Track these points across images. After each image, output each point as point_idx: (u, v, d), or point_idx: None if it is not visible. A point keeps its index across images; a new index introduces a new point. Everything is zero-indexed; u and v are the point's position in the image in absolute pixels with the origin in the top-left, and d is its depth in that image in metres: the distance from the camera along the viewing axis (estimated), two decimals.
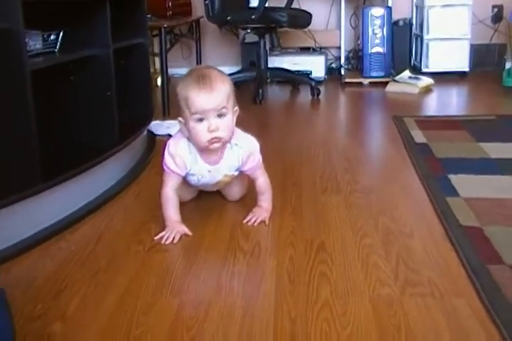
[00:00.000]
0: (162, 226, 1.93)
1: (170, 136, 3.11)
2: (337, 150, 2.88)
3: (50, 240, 1.89)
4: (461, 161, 2.58)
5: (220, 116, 1.81)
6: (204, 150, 1.89)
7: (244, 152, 1.94)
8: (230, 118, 1.84)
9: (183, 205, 1.98)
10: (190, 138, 1.87)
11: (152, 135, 3.14)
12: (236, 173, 2.02)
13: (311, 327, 1.39)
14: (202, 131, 1.81)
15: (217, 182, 2.03)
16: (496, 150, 2.71)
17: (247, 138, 1.98)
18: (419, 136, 3.02)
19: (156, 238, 1.87)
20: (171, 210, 1.93)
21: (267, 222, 1.97)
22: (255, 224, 1.97)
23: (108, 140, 2.38)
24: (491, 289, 1.51)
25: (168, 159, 1.92)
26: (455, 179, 2.33)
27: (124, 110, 2.52)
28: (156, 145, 2.97)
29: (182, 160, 1.91)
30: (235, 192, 2.17)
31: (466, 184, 2.28)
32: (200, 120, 1.80)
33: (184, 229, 1.90)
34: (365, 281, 1.60)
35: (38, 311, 1.48)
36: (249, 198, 2.14)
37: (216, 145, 1.85)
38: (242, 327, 1.40)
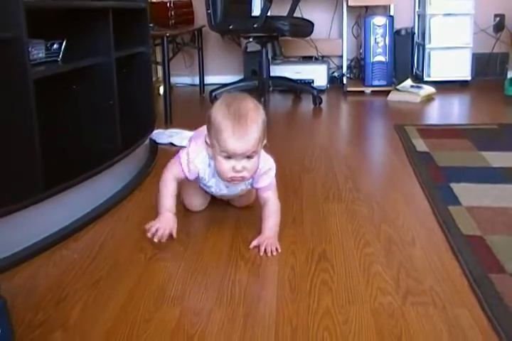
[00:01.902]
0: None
1: (172, 144, 3.14)
2: (339, 159, 2.88)
3: (52, 248, 1.89)
4: (463, 170, 2.58)
5: (248, 157, 1.78)
6: None
7: (260, 169, 1.89)
8: (257, 159, 1.82)
9: (182, 213, 1.98)
10: (215, 167, 1.84)
11: (154, 143, 3.14)
12: (250, 187, 1.99)
13: (312, 335, 1.39)
14: (226, 168, 1.79)
15: (236, 194, 2.04)
16: (497, 159, 2.71)
17: (266, 156, 1.93)
18: (420, 145, 3.02)
19: (146, 226, 1.85)
20: (168, 198, 1.91)
21: (279, 250, 1.84)
22: (271, 254, 1.81)
23: (110, 148, 2.38)
24: (492, 298, 1.51)
25: (184, 157, 1.90)
26: (457, 188, 2.33)
27: (127, 119, 2.52)
28: (158, 153, 2.97)
29: (195, 169, 1.90)
30: (243, 200, 2.15)
31: (467, 193, 2.28)
32: (228, 157, 1.77)
33: (173, 227, 1.87)
34: (367, 290, 1.60)
35: (39, 319, 1.48)
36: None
37: (237, 182, 1.86)
38: (243, 335, 1.40)
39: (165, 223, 1.86)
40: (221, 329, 1.42)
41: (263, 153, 1.91)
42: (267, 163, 1.92)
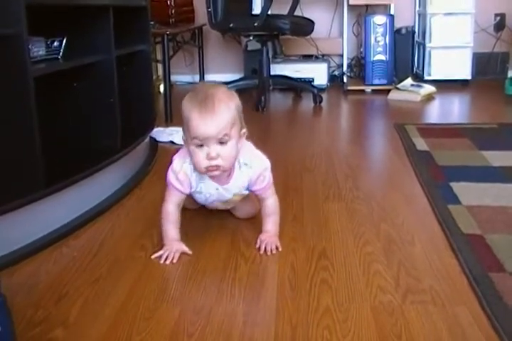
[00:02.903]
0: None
1: (172, 142, 3.14)
2: (339, 158, 2.88)
3: (52, 246, 1.89)
4: (462, 169, 2.58)
5: (221, 143, 1.70)
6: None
7: (253, 172, 1.84)
8: (233, 146, 1.72)
9: (182, 212, 1.98)
10: (191, 160, 1.78)
11: (154, 142, 3.14)
12: (246, 192, 1.92)
13: (312, 334, 1.39)
14: (200, 157, 1.71)
15: (227, 201, 1.94)
16: (497, 158, 2.71)
17: (258, 156, 1.87)
18: (421, 144, 3.02)
19: (153, 257, 1.80)
20: (171, 229, 1.85)
21: (280, 248, 1.85)
22: (271, 252, 1.81)
23: (110, 146, 2.38)
24: (492, 297, 1.51)
25: (171, 175, 1.83)
26: (457, 187, 2.33)
27: (127, 116, 2.52)
28: (158, 151, 2.97)
29: (187, 177, 1.82)
30: (246, 212, 2.08)
31: (467, 192, 2.28)
32: (200, 145, 1.70)
33: (183, 247, 1.82)
34: (367, 288, 1.60)
35: (39, 317, 1.48)
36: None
37: (215, 172, 1.75)
38: (243, 333, 1.40)
39: (171, 248, 1.81)
40: (221, 328, 1.43)
41: (255, 152, 1.87)
42: (261, 164, 1.86)
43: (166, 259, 1.78)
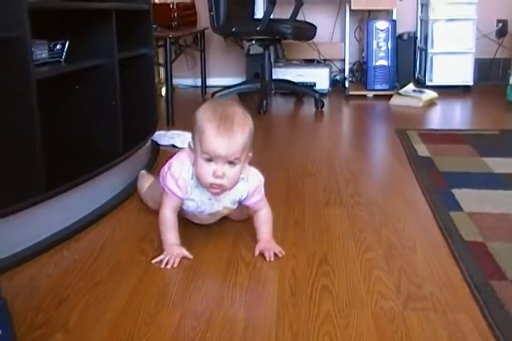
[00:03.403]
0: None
1: (174, 146, 3.14)
2: (340, 163, 2.88)
3: (53, 249, 1.89)
4: (464, 175, 2.58)
5: (230, 163, 1.70)
6: None
7: (251, 186, 1.85)
8: (239, 168, 1.73)
9: (183, 217, 1.97)
10: (195, 171, 1.77)
11: (156, 145, 3.14)
12: (235, 207, 1.92)
13: (312, 340, 1.39)
14: (206, 172, 1.71)
15: (215, 213, 1.93)
16: (499, 165, 2.71)
17: (254, 173, 1.87)
18: (422, 150, 3.02)
19: (153, 261, 1.79)
20: (170, 233, 1.84)
21: (283, 252, 1.84)
22: (272, 259, 1.82)
23: (112, 149, 2.38)
24: (493, 305, 1.51)
25: (170, 180, 1.82)
26: (458, 193, 2.33)
27: (129, 120, 2.53)
28: (159, 155, 2.97)
29: (185, 183, 1.81)
30: (239, 215, 2.07)
31: (469, 198, 2.28)
32: (209, 160, 1.70)
33: (184, 251, 1.82)
34: (368, 295, 1.60)
35: (39, 320, 1.48)
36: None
37: (216, 191, 1.76)
38: (243, 338, 1.40)
39: (171, 252, 1.80)
40: (221, 333, 1.42)
41: (250, 169, 1.86)
42: (255, 179, 1.87)
43: (166, 264, 1.77)
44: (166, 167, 1.89)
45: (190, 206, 1.89)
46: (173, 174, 1.82)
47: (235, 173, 1.73)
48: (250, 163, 1.86)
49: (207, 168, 1.71)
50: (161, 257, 1.80)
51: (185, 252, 1.82)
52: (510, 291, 1.58)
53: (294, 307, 1.53)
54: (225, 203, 1.89)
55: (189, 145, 1.79)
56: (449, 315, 1.49)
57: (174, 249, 1.81)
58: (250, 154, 1.79)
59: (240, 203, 1.91)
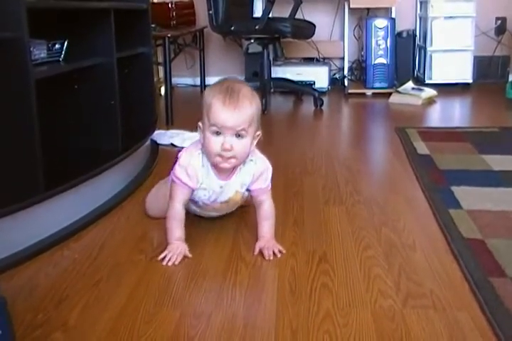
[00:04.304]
0: (163, 236, 1.89)
1: (173, 145, 3.14)
2: (339, 161, 2.88)
3: (52, 249, 1.89)
4: (463, 173, 2.58)
5: (237, 136, 1.72)
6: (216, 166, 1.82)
7: (257, 168, 1.86)
8: (248, 142, 1.76)
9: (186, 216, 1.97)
10: (203, 147, 1.79)
11: (155, 144, 3.14)
12: (246, 193, 1.92)
13: (312, 338, 1.39)
14: (214, 144, 1.73)
15: (228, 200, 1.93)
16: (498, 162, 2.71)
17: (263, 158, 1.89)
18: (421, 148, 3.02)
19: (159, 258, 1.79)
20: (177, 227, 1.84)
21: (283, 251, 1.85)
22: (272, 258, 1.81)
23: (111, 149, 2.38)
24: (493, 302, 1.51)
25: (179, 170, 1.83)
26: (458, 191, 2.33)
27: (128, 119, 2.53)
28: (159, 154, 2.97)
29: (195, 171, 1.82)
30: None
31: (468, 196, 2.27)
32: (217, 133, 1.72)
33: (186, 249, 1.82)
34: (367, 293, 1.60)
35: (39, 320, 1.48)
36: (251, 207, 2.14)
37: (225, 164, 1.77)
38: (243, 337, 1.40)
39: (175, 249, 1.81)
40: (221, 332, 1.42)
41: (259, 155, 1.89)
42: (264, 163, 1.89)
43: (168, 261, 1.78)
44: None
45: (202, 196, 1.90)
46: (182, 164, 1.83)
47: (244, 146, 1.75)
48: None
49: (215, 140, 1.73)
50: (164, 253, 1.81)
51: (186, 250, 1.83)
52: (510, 288, 1.58)
53: (293, 306, 1.53)
54: (235, 187, 1.89)
55: (198, 127, 1.80)
56: (448, 312, 1.49)
57: (178, 246, 1.83)
58: (259, 132, 1.81)
59: (248, 190, 1.92)
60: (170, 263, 1.77)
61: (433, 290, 1.60)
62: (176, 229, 1.85)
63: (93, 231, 2.05)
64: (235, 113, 1.70)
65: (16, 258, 1.78)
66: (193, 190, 1.86)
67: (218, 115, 1.71)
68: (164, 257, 1.80)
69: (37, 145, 1.83)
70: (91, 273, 1.73)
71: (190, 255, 1.82)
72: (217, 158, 1.76)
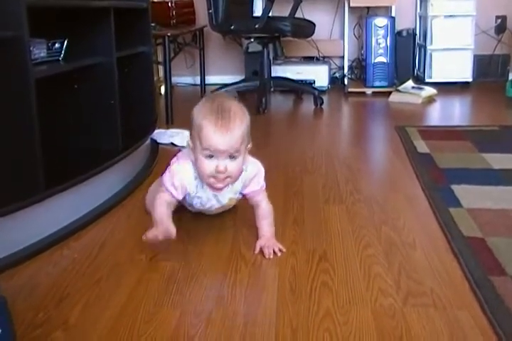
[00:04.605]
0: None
1: (173, 144, 3.14)
2: (340, 160, 2.88)
3: (53, 248, 1.89)
4: (463, 172, 2.58)
5: (231, 157, 1.72)
6: None
7: (248, 175, 1.85)
8: (241, 160, 1.75)
9: (183, 215, 1.97)
10: (196, 168, 1.78)
11: (155, 143, 3.14)
12: (240, 196, 1.92)
13: (312, 337, 1.39)
14: (208, 168, 1.72)
15: (223, 205, 1.94)
16: (498, 161, 2.71)
17: (253, 162, 1.87)
18: (422, 146, 3.02)
19: (143, 238, 1.75)
20: (163, 214, 1.78)
21: (284, 250, 1.85)
22: (272, 256, 1.82)
23: (111, 148, 2.38)
24: (493, 300, 1.51)
25: (166, 179, 1.82)
26: (458, 189, 2.33)
27: (128, 118, 2.53)
28: (159, 153, 2.97)
29: (182, 183, 1.81)
30: None
31: (468, 194, 2.27)
32: (210, 156, 1.71)
33: (172, 230, 1.74)
34: (367, 291, 1.60)
35: (39, 319, 1.48)
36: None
37: (219, 185, 1.77)
38: (243, 336, 1.40)
39: (162, 228, 1.75)
40: (221, 331, 1.42)
41: (250, 158, 1.86)
42: (254, 167, 1.87)
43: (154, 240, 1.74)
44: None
45: (197, 203, 1.90)
46: (171, 174, 1.82)
47: (237, 166, 1.74)
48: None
49: (209, 164, 1.72)
50: (149, 232, 1.75)
51: (172, 229, 1.74)
52: (510, 286, 1.58)
53: (293, 304, 1.54)
54: (228, 195, 1.90)
55: (188, 144, 1.79)
56: (449, 311, 1.49)
57: (165, 225, 1.74)
58: (250, 145, 1.80)
59: (242, 194, 1.92)
60: (150, 235, 1.73)
61: (433, 288, 1.60)
62: (162, 214, 1.77)
63: (93, 230, 2.05)
64: (228, 136, 1.68)
65: (16, 258, 1.78)
66: (177, 199, 1.84)
67: (211, 139, 1.68)
68: (149, 236, 1.74)
69: (37, 144, 1.83)
70: (91, 273, 1.73)
71: (174, 236, 1.75)
72: (211, 179, 1.76)
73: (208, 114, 1.70)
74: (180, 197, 1.84)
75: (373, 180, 2.67)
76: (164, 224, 1.76)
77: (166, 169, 1.88)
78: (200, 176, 1.79)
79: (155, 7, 3.77)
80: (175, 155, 1.96)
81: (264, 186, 1.91)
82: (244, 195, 1.92)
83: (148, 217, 2.08)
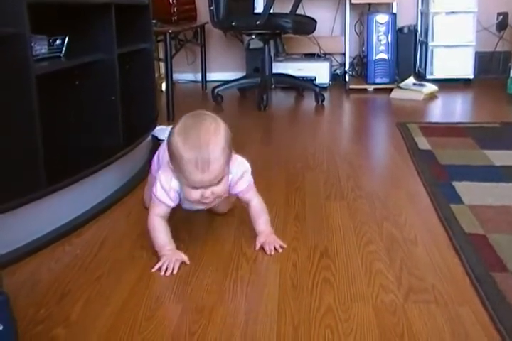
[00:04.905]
0: None
1: None
2: (341, 156, 2.88)
3: (54, 244, 1.89)
4: (465, 168, 2.58)
5: (216, 183, 1.69)
6: None
7: (233, 177, 1.80)
8: (226, 178, 1.73)
9: (183, 212, 1.97)
10: (183, 194, 1.76)
11: (156, 140, 3.14)
12: (226, 195, 1.86)
13: (314, 333, 1.39)
14: (195, 196, 1.70)
15: (215, 205, 1.90)
16: (500, 157, 2.71)
17: (239, 162, 1.83)
18: (423, 143, 3.02)
19: (153, 270, 1.71)
20: (162, 238, 1.78)
21: (284, 246, 1.85)
22: (273, 253, 1.81)
23: (112, 144, 2.38)
24: (495, 297, 1.51)
25: (161, 192, 1.77)
26: (459, 186, 2.33)
27: (129, 115, 2.52)
28: None
29: (177, 194, 1.78)
30: (223, 207, 2.08)
31: (470, 191, 2.27)
32: (195, 187, 1.68)
33: (182, 256, 1.76)
34: (369, 288, 1.60)
35: (41, 315, 1.48)
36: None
37: (209, 205, 1.80)
38: (245, 332, 1.40)
39: (170, 258, 1.74)
40: (223, 327, 1.42)
41: (235, 157, 1.80)
42: (240, 167, 1.82)
43: (166, 271, 1.71)
44: (152, 171, 1.91)
45: (188, 206, 1.88)
46: (164, 187, 1.77)
47: (223, 186, 1.72)
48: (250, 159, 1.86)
49: (195, 193, 1.70)
50: (159, 264, 1.73)
51: (183, 257, 1.76)
52: (511, 283, 1.58)
53: (295, 301, 1.54)
54: (217, 200, 1.83)
55: (170, 168, 1.73)
56: (450, 307, 1.49)
57: (172, 254, 1.76)
58: (232, 152, 1.74)
59: (232, 194, 1.89)
60: (168, 273, 1.69)
61: (435, 284, 1.60)
62: (162, 240, 1.78)
63: (94, 226, 2.06)
64: (210, 172, 1.64)
65: (17, 254, 1.78)
66: (174, 205, 1.82)
67: (194, 179, 1.65)
68: (160, 268, 1.72)
69: (38, 141, 1.83)
70: (92, 269, 1.74)
71: (188, 261, 1.76)
72: (199, 204, 1.76)
73: (186, 151, 1.63)
74: (175, 204, 1.81)
75: (375, 176, 2.67)
76: (172, 255, 1.76)
77: (152, 181, 1.86)
78: (188, 200, 1.77)
79: (156, 3, 3.75)
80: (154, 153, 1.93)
81: (252, 183, 1.87)
82: (233, 194, 1.90)
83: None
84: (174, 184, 1.77)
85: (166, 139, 1.75)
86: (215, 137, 1.66)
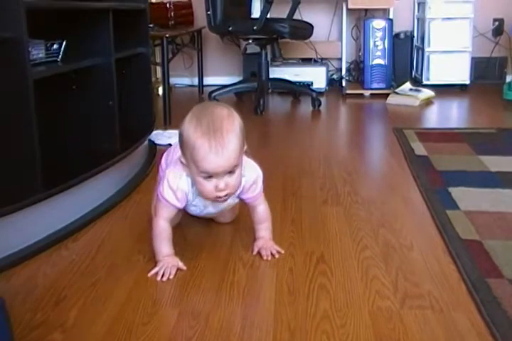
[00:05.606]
0: None
1: (171, 145, 3.14)
2: (337, 162, 2.88)
3: (51, 249, 1.89)
4: (461, 174, 2.59)
5: (230, 173, 1.64)
6: None
7: (246, 180, 1.78)
8: (240, 171, 1.68)
9: (183, 215, 1.98)
10: (196, 188, 1.71)
11: (153, 144, 3.14)
12: (237, 200, 1.88)
13: (310, 339, 1.39)
14: (209, 188, 1.65)
15: (221, 210, 1.91)
16: (496, 163, 2.72)
17: (252, 166, 1.81)
18: (419, 149, 3.03)
19: (149, 275, 1.71)
20: (164, 244, 1.77)
21: (282, 251, 1.85)
22: (270, 258, 1.81)
23: (109, 149, 2.38)
24: (490, 303, 1.51)
25: (168, 192, 1.74)
26: (455, 192, 2.33)
27: (126, 119, 2.52)
28: (157, 154, 2.97)
29: (184, 194, 1.75)
30: (227, 217, 2.07)
31: (466, 197, 2.28)
32: (209, 177, 1.63)
33: (179, 263, 1.75)
34: (365, 294, 1.60)
35: (37, 320, 1.48)
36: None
37: (222, 200, 1.73)
38: (241, 337, 1.40)
39: (167, 264, 1.73)
40: (219, 332, 1.42)
41: (248, 161, 1.78)
42: (253, 172, 1.81)
43: (162, 276, 1.70)
44: (161, 174, 1.88)
45: (193, 210, 1.87)
46: (172, 187, 1.74)
47: (237, 178, 1.68)
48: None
49: (208, 185, 1.66)
50: (156, 269, 1.73)
51: (180, 263, 1.75)
52: (507, 289, 1.58)
53: (291, 306, 1.54)
54: (227, 201, 1.82)
55: (181, 162, 1.71)
56: (446, 313, 1.50)
57: (169, 260, 1.75)
58: (245, 147, 1.71)
59: (240, 199, 1.88)
60: (164, 278, 1.69)
61: (430, 290, 1.61)
62: (164, 247, 1.77)
63: (91, 231, 2.05)
64: (223, 157, 1.60)
65: (14, 258, 1.78)
66: (182, 207, 1.81)
67: (207, 163, 1.60)
68: (157, 273, 1.71)
69: (35, 145, 1.83)
70: (89, 273, 1.73)
71: (184, 267, 1.75)
72: (213, 200, 1.73)
73: (199, 137, 1.59)
74: (183, 206, 1.79)
75: (371, 181, 2.68)
76: (169, 262, 1.75)
77: (159, 181, 1.85)
78: (203, 196, 1.74)
79: (153, 8, 3.78)
80: (161, 156, 1.94)
81: (262, 189, 1.87)
82: (242, 199, 1.89)
83: (146, 218, 2.09)
84: (182, 184, 1.74)
85: (173, 143, 1.73)
86: (229, 121, 1.64)
